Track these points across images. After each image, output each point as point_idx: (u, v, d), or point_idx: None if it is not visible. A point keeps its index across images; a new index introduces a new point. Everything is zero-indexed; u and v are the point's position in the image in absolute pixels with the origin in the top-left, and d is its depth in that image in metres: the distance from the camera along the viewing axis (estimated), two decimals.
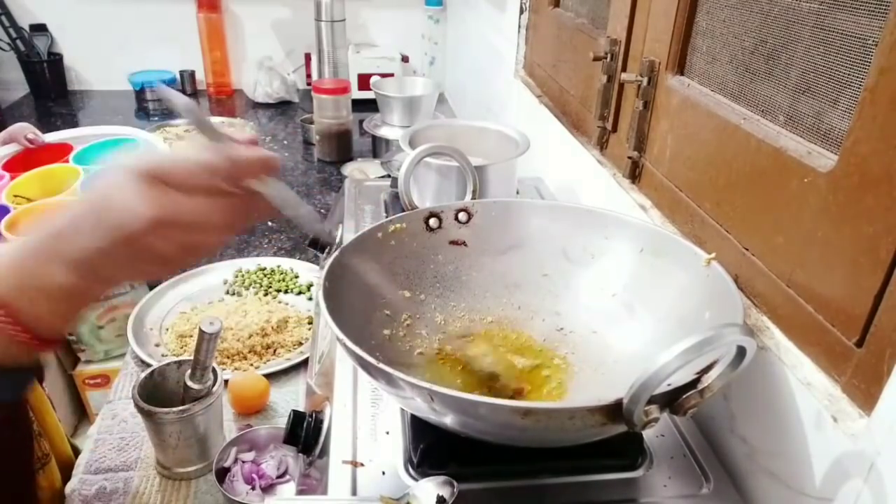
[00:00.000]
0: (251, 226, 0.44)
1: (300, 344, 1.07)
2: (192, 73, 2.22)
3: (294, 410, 0.62)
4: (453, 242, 0.69)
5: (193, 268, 1.22)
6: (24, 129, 1.06)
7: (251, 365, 1.02)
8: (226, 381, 0.92)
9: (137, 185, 0.41)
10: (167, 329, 1.10)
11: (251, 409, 0.94)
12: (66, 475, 0.86)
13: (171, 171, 0.41)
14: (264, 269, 1.26)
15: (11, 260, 0.43)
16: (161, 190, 0.41)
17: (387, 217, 0.76)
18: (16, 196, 0.96)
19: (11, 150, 1.06)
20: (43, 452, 0.86)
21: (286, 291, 1.21)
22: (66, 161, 1.05)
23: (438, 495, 0.48)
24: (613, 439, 0.49)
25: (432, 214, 0.69)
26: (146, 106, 2.15)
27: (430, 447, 0.54)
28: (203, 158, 0.42)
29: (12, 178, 1.00)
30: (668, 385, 0.42)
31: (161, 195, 0.41)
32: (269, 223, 1.43)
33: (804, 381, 0.50)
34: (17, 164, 1.05)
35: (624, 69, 0.86)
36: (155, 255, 0.43)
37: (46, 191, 1.00)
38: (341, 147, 1.74)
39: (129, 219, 0.41)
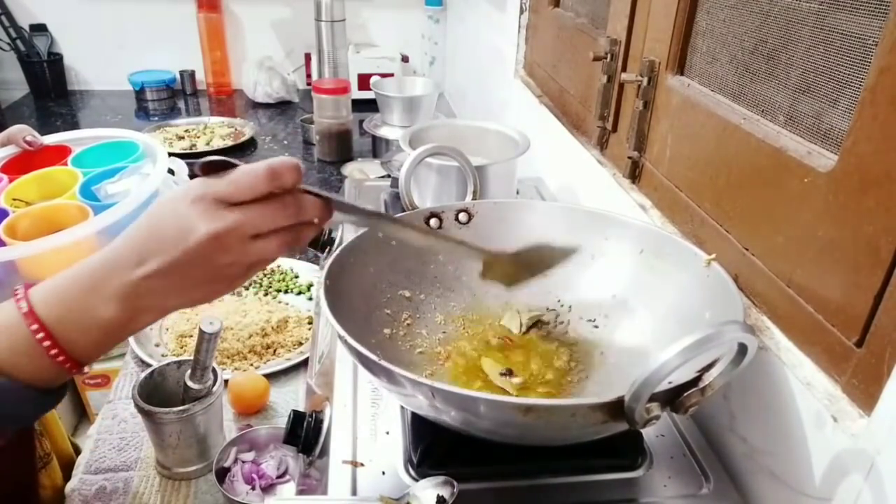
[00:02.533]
0: (308, 235, 0.47)
1: (300, 344, 1.07)
2: (192, 73, 2.22)
3: (294, 410, 0.62)
4: None
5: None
6: (23, 132, 1.05)
7: (251, 365, 1.02)
8: (226, 381, 0.92)
9: (192, 206, 0.43)
10: (167, 329, 1.10)
11: (251, 409, 0.94)
12: (68, 474, 0.85)
13: (222, 189, 0.43)
14: (264, 268, 1.26)
15: (61, 289, 0.46)
16: (216, 206, 0.43)
17: None
18: (14, 199, 0.96)
19: (9, 152, 1.05)
20: (44, 452, 0.86)
21: (286, 291, 1.21)
22: (65, 164, 1.05)
23: (438, 495, 0.48)
24: (613, 439, 0.49)
25: (433, 214, 0.69)
26: (146, 106, 2.15)
27: (430, 447, 0.54)
28: (243, 168, 0.43)
29: (10, 180, 1.00)
30: (670, 383, 0.42)
31: (215, 211, 0.43)
32: None
33: (804, 380, 0.50)
34: (15, 167, 1.05)
35: (624, 69, 0.86)
36: (210, 274, 0.44)
37: (44, 194, 0.99)
38: (341, 147, 1.74)
39: (187, 237, 0.42)
